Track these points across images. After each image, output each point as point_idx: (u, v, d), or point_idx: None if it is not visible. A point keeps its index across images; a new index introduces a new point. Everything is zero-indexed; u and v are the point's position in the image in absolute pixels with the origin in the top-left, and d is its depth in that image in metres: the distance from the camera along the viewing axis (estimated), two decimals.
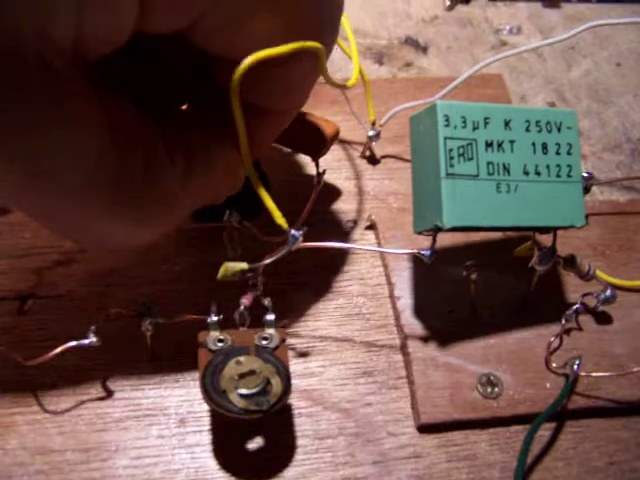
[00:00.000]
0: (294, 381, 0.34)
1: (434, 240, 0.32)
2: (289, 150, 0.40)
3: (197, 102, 0.33)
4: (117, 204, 0.26)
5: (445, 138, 0.31)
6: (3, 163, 0.23)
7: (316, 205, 0.37)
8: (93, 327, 0.31)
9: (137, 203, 0.27)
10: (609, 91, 0.49)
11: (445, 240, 0.37)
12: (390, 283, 0.37)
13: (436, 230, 0.31)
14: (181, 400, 0.33)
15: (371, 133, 0.41)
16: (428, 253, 0.32)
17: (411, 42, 0.50)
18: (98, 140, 0.25)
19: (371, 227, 0.40)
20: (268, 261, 0.31)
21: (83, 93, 0.24)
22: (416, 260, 0.36)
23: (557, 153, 0.33)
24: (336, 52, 0.40)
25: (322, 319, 0.36)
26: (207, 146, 0.30)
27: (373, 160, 0.43)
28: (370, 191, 0.42)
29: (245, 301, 0.31)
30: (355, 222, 0.40)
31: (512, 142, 0.32)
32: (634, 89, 0.49)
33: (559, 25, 0.53)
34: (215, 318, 0.31)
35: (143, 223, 0.28)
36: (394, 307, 0.36)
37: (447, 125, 0.31)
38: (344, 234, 0.40)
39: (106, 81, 0.25)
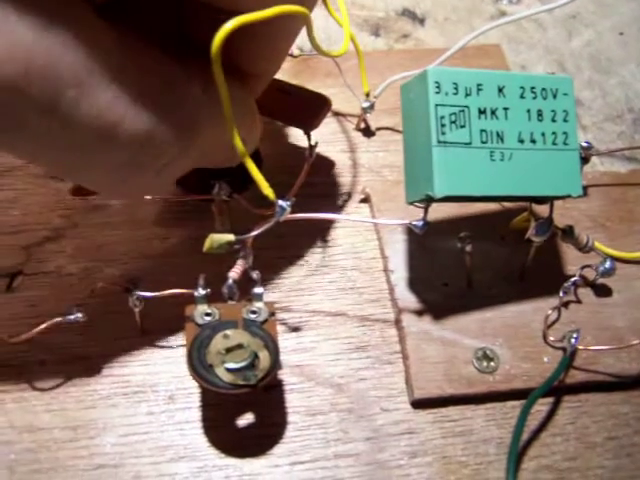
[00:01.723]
0: (286, 356, 0.33)
1: (426, 211, 0.31)
2: (281, 123, 0.39)
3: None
4: (138, 125, 0.25)
5: (436, 105, 0.30)
6: None
7: (310, 178, 0.36)
8: (78, 303, 0.31)
9: (161, 122, 0.26)
10: (611, 60, 0.48)
11: (440, 212, 0.36)
12: (384, 256, 0.36)
13: (428, 200, 0.30)
14: (170, 376, 0.33)
15: (365, 105, 0.40)
16: (420, 224, 0.31)
17: (408, 14, 0.49)
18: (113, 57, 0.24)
19: (365, 200, 0.39)
20: (255, 233, 0.30)
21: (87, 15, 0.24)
22: (411, 233, 0.35)
23: (553, 120, 0.32)
24: (333, 24, 0.39)
25: (315, 293, 0.36)
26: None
27: (368, 132, 0.42)
28: (365, 164, 0.41)
29: (233, 274, 0.31)
30: (349, 195, 0.39)
31: (506, 109, 0.31)
32: (637, 58, 0.48)
33: None
34: (203, 292, 0.30)
35: (168, 144, 0.27)
36: (388, 281, 0.36)
37: (438, 92, 0.30)
38: (338, 207, 0.39)
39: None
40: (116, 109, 0.24)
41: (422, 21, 0.49)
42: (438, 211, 0.35)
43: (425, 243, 0.36)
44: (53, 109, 0.23)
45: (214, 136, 0.29)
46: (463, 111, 0.30)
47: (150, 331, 0.34)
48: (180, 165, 0.29)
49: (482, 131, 0.30)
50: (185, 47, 0.29)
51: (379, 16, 0.49)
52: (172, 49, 0.27)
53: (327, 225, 0.38)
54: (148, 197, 0.35)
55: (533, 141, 0.31)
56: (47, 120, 0.23)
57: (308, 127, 0.36)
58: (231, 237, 0.30)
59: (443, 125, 0.30)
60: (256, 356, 0.29)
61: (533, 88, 0.32)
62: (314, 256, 0.37)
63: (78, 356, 0.33)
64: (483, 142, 0.30)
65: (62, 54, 0.22)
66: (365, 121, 0.42)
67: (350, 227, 0.38)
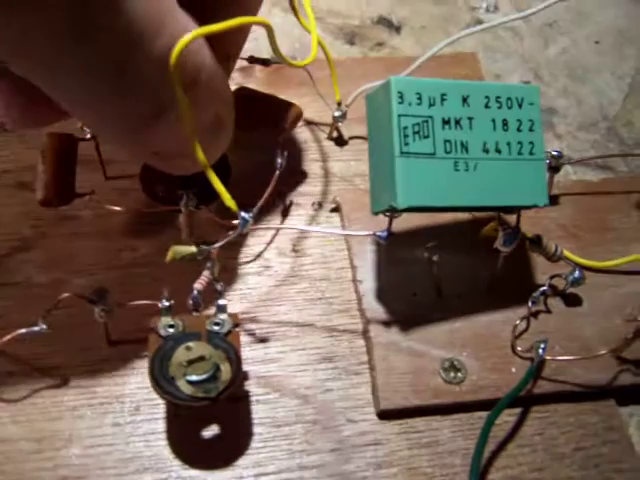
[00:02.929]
0: (252, 367, 0.33)
1: (390, 221, 0.31)
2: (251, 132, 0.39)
3: None
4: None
5: (399, 115, 0.30)
6: None
7: (281, 187, 0.36)
8: (43, 314, 0.31)
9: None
10: (586, 69, 0.48)
11: (409, 222, 0.36)
12: (353, 266, 0.36)
13: (392, 211, 0.30)
14: (137, 387, 0.33)
15: (336, 113, 0.40)
16: (384, 234, 0.31)
17: (384, 22, 0.49)
18: None
19: (336, 209, 0.39)
20: (218, 245, 0.30)
21: None
22: (379, 242, 0.35)
23: (518, 130, 0.32)
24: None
25: (283, 304, 0.36)
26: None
27: (341, 141, 0.42)
28: (337, 172, 0.41)
29: (198, 285, 0.31)
30: (320, 204, 0.39)
31: (470, 119, 0.31)
32: (612, 67, 0.48)
33: (538, 2, 0.51)
34: (167, 303, 0.30)
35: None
36: (356, 291, 0.36)
37: (401, 102, 0.30)
38: (309, 216, 0.39)
39: None
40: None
41: (398, 29, 0.49)
42: (407, 221, 0.35)
43: (394, 253, 0.36)
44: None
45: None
46: (427, 121, 0.30)
47: (117, 342, 0.34)
48: None
49: (446, 141, 0.30)
50: None
51: (354, 24, 0.49)
52: None
53: (297, 235, 0.38)
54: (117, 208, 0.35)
55: (498, 151, 0.31)
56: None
57: (277, 135, 0.36)
58: (193, 249, 0.30)
59: (406, 135, 0.30)
60: (218, 368, 0.29)
61: (498, 97, 0.31)
62: (283, 266, 0.37)
63: (45, 367, 0.33)
64: (447, 152, 0.30)
65: None
66: (337, 130, 0.42)
67: (320, 237, 0.38)
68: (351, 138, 0.42)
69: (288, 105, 0.37)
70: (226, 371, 0.29)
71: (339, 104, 0.41)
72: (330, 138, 0.42)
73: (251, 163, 0.38)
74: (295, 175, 0.40)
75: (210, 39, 0.26)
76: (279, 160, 0.35)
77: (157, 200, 0.35)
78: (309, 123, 0.42)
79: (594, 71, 0.48)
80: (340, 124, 0.41)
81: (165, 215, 0.36)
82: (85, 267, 0.36)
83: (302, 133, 0.42)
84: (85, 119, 0.29)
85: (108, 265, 0.36)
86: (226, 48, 0.30)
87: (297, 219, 0.38)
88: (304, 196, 0.39)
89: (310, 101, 0.41)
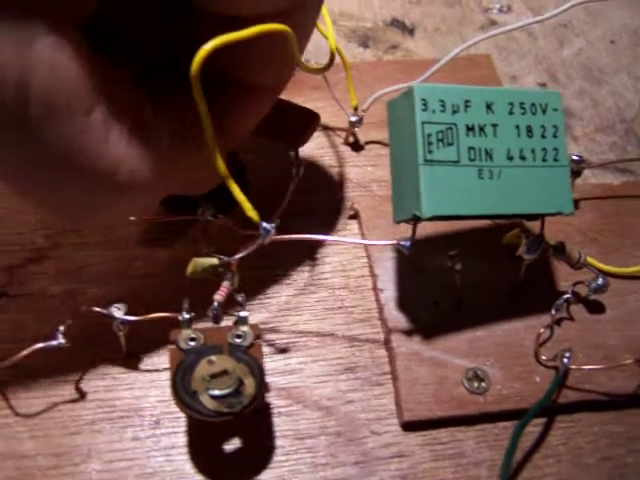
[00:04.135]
0: (273, 378, 0.33)
1: (414, 230, 0.30)
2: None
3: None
4: (99, 166, 0.25)
5: (423, 123, 0.29)
6: None
7: (298, 195, 0.36)
8: (62, 328, 0.30)
9: (120, 168, 0.26)
10: (602, 70, 0.47)
11: (430, 229, 0.36)
12: (373, 275, 0.36)
13: (415, 220, 0.30)
14: (156, 401, 0.32)
15: (353, 119, 0.40)
16: (408, 244, 0.30)
17: (397, 24, 0.49)
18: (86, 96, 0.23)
19: (354, 216, 0.38)
20: (239, 256, 0.30)
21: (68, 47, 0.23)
22: (400, 250, 0.35)
23: (542, 136, 0.31)
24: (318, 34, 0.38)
25: (303, 313, 0.35)
26: (193, 127, 0.28)
27: (357, 146, 0.41)
28: (353, 178, 0.40)
29: (219, 297, 0.30)
30: (338, 211, 0.39)
31: (494, 126, 0.30)
32: (628, 67, 0.47)
33: (550, 3, 0.51)
34: (187, 316, 0.30)
35: (122, 191, 0.27)
36: (377, 300, 0.35)
37: (425, 109, 0.29)
38: (326, 224, 0.38)
39: (96, 47, 0.24)
40: (84, 139, 0.24)
41: (411, 31, 0.49)
42: (428, 228, 0.35)
43: (415, 261, 0.35)
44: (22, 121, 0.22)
45: (177, 176, 0.29)
46: (451, 128, 0.30)
47: (135, 354, 0.33)
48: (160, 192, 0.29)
49: (470, 149, 0.30)
50: (164, 87, 0.28)
51: (367, 26, 0.49)
52: (150, 87, 0.27)
53: (315, 243, 0.37)
54: (132, 218, 0.35)
55: (523, 158, 0.31)
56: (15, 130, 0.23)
57: (296, 144, 0.36)
58: (215, 261, 0.29)
59: (430, 143, 0.29)
60: (241, 382, 0.28)
61: (522, 104, 0.31)
62: (302, 275, 0.36)
63: (62, 380, 0.32)
64: (471, 160, 0.30)
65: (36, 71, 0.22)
66: (354, 135, 0.41)
67: (339, 244, 0.37)
68: (367, 143, 0.42)
69: (307, 113, 0.36)
70: (249, 385, 0.28)
71: (355, 109, 0.40)
72: (346, 143, 0.41)
73: (264, 170, 0.38)
74: (311, 181, 0.39)
75: None
76: (297, 169, 0.35)
77: (172, 211, 0.35)
78: (324, 128, 0.42)
79: (610, 72, 0.47)
80: (356, 129, 0.41)
81: (179, 224, 0.36)
82: (99, 277, 0.35)
83: (317, 138, 0.41)
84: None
85: (123, 275, 0.35)
86: (239, 70, 0.29)
87: (314, 226, 0.38)
88: (321, 203, 0.39)
89: (324, 106, 0.41)
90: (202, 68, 0.24)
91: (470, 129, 0.30)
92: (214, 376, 0.28)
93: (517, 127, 0.31)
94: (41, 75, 0.22)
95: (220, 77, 0.29)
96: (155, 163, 0.27)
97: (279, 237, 0.29)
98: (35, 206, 0.29)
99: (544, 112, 0.31)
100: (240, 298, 0.30)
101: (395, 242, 0.31)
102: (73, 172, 0.25)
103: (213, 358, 0.29)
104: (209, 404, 0.28)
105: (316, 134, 0.41)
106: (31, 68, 0.22)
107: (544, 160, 0.31)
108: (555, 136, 0.32)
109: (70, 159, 0.24)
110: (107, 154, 0.25)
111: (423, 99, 0.29)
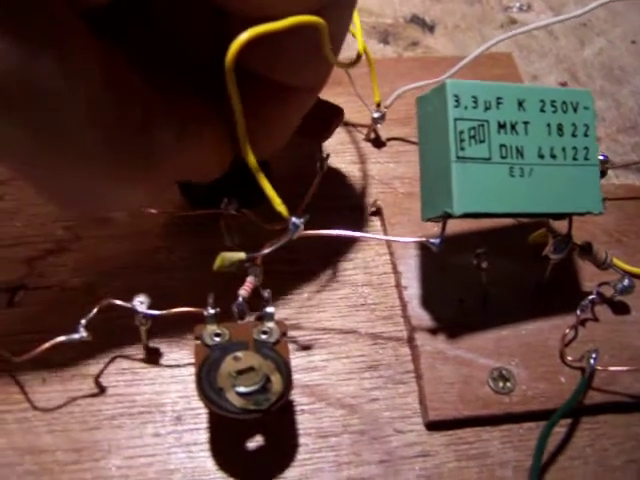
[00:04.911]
0: (296, 376, 0.32)
1: (444, 228, 0.30)
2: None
3: (198, 72, 0.31)
4: (109, 158, 0.25)
5: (455, 119, 0.29)
6: None
7: (320, 190, 0.36)
8: (83, 321, 0.30)
9: (129, 161, 0.25)
10: (624, 70, 0.47)
11: (454, 226, 0.35)
12: (396, 272, 0.35)
13: (446, 217, 0.29)
14: (178, 396, 0.32)
15: (376, 115, 0.39)
16: (437, 241, 0.30)
17: (417, 20, 0.49)
18: (93, 88, 0.23)
19: (376, 213, 0.38)
20: (267, 250, 0.29)
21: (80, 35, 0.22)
22: (424, 247, 0.34)
23: (573, 135, 0.31)
24: None
25: (326, 310, 0.35)
26: (201, 116, 0.29)
27: (378, 143, 0.41)
28: (375, 175, 0.40)
29: (243, 292, 0.30)
30: (360, 208, 0.38)
31: (526, 123, 0.30)
32: None
33: (570, 1, 0.50)
34: (212, 311, 0.29)
35: (131, 182, 0.27)
36: (401, 297, 0.35)
37: (457, 105, 0.29)
38: (349, 220, 0.38)
39: (109, 38, 0.24)
40: (86, 133, 0.24)
41: (431, 28, 0.48)
42: (452, 225, 0.34)
43: (439, 258, 0.35)
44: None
45: (190, 162, 0.29)
46: (483, 125, 0.29)
47: (156, 349, 0.33)
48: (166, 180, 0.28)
49: (502, 146, 0.29)
50: (174, 79, 0.28)
51: (388, 23, 0.48)
52: (161, 79, 0.27)
53: (337, 239, 0.37)
54: (153, 211, 0.35)
55: (553, 156, 0.30)
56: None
57: (320, 139, 0.35)
58: (242, 255, 0.29)
59: (462, 140, 0.29)
60: (268, 379, 0.28)
61: (554, 102, 0.31)
62: (324, 271, 0.36)
63: (81, 374, 0.32)
64: (503, 157, 0.29)
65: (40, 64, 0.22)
66: (375, 131, 0.41)
67: (361, 241, 0.37)
68: (388, 139, 0.41)
69: (330, 107, 0.36)
70: (276, 382, 0.28)
71: (378, 105, 0.40)
72: (368, 139, 0.41)
73: (287, 163, 0.37)
74: (333, 177, 0.39)
75: None
76: (321, 164, 0.34)
77: (196, 204, 0.34)
78: (345, 124, 0.41)
79: (631, 71, 0.47)
80: (378, 125, 0.40)
81: (201, 217, 0.35)
82: (119, 270, 0.35)
83: (338, 134, 0.41)
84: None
85: (144, 269, 0.35)
86: (272, 71, 0.29)
87: (336, 222, 0.37)
88: (343, 199, 0.38)
89: (346, 101, 0.40)
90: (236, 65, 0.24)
91: (502, 126, 0.30)
92: (240, 372, 0.28)
93: (548, 125, 0.31)
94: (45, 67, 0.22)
95: (259, 81, 0.29)
96: (161, 155, 0.27)
97: (307, 232, 0.29)
98: (41, 194, 0.28)
99: (575, 110, 0.31)
100: (266, 294, 0.30)
101: (424, 239, 0.30)
102: (78, 160, 0.24)
103: (239, 354, 0.28)
104: (236, 401, 0.27)
105: (337, 130, 0.41)
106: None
107: (574, 159, 0.31)
108: (586, 135, 0.31)
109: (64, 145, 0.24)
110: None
111: (455, 95, 0.29)
